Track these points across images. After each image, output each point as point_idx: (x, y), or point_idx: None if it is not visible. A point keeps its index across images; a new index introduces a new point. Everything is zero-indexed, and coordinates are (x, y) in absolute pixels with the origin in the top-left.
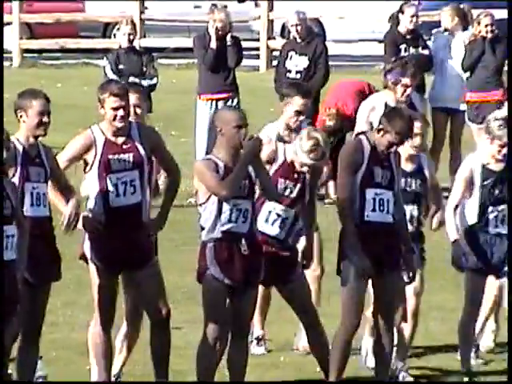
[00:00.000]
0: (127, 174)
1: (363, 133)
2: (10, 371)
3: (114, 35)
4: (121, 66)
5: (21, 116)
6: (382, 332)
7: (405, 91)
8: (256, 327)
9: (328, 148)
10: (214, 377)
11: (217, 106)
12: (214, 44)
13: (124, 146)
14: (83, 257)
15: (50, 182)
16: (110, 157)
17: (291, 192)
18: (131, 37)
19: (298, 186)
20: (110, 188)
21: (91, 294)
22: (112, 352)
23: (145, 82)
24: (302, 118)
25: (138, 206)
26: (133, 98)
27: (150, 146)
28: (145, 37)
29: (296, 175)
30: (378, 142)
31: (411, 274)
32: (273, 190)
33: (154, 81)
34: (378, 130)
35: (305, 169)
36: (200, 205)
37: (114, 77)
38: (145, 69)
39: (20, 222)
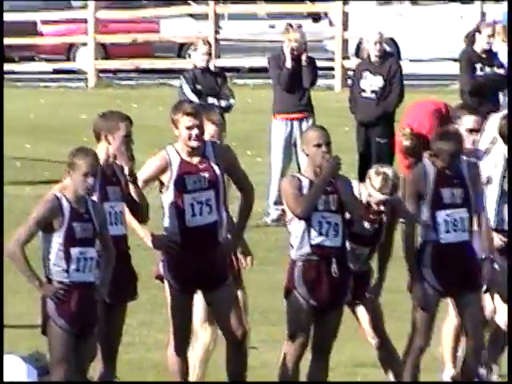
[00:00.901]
0: (203, 193)
1: (431, 155)
2: None
3: (189, 55)
4: (198, 87)
5: (105, 136)
6: (469, 352)
7: None
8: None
9: (398, 180)
10: None
11: (292, 125)
12: (289, 64)
13: (199, 166)
14: (159, 277)
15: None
16: (186, 177)
17: (368, 232)
18: (208, 57)
19: (375, 226)
20: (186, 208)
21: (167, 314)
22: (188, 371)
23: (222, 103)
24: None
25: (214, 226)
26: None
27: (224, 165)
28: (219, 57)
29: (373, 216)
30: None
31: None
32: (357, 206)
33: (232, 101)
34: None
35: (382, 207)
36: (288, 222)
37: (193, 96)
38: (219, 89)
39: (106, 245)
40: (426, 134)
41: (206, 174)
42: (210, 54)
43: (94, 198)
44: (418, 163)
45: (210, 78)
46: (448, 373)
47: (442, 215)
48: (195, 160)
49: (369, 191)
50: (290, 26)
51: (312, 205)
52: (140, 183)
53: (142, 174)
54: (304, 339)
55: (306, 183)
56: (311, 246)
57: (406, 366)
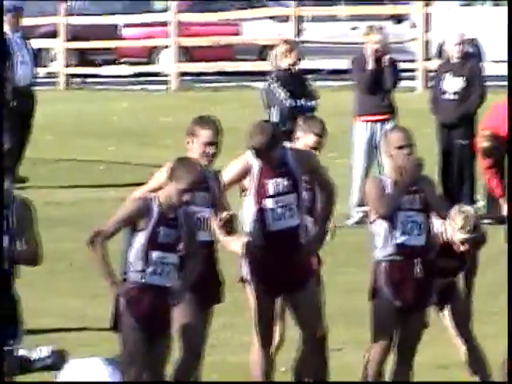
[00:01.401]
0: (284, 197)
1: None
2: None
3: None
4: (289, 88)
5: (188, 142)
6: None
7: None
8: None
9: (479, 219)
10: None
11: (374, 127)
12: (370, 65)
13: (279, 170)
14: (242, 280)
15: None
16: (267, 181)
17: (452, 264)
18: (297, 56)
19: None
20: (268, 212)
21: (249, 317)
22: (271, 372)
23: (309, 104)
24: None
25: (296, 229)
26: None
27: (305, 170)
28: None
29: (455, 253)
30: None
31: None
32: (441, 205)
33: (318, 101)
34: None
35: (464, 247)
36: (372, 223)
37: (287, 97)
38: (304, 90)
39: (192, 253)
40: (503, 136)
41: (286, 178)
42: (299, 57)
43: None
44: None
45: (296, 80)
46: None
47: None
48: (274, 165)
49: (451, 231)
50: (372, 27)
51: (395, 204)
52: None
53: (224, 178)
54: (388, 341)
55: (388, 184)
56: (395, 245)
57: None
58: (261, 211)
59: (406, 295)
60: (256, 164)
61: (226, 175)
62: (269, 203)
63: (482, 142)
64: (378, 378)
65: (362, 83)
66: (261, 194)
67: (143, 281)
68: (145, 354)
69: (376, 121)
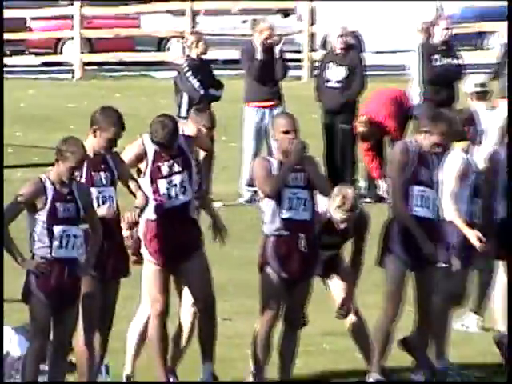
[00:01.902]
0: (176, 177)
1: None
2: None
3: (168, 49)
4: (199, 77)
5: (94, 131)
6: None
7: None
8: None
9: (358, 199)
10: (269, 361)
11: (263, 113)
12: (259, 55)
13: (173, 153)
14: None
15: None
16: (161, 164)
17: (334, 241)
18: (204, 46)
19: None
20: (162, 191)
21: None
22: (167, 337)
23: (217, 93)
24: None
25: (188, 204)
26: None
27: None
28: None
29: (335, 231)
30: (423, 144)
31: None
32: (325, 186)
33: (223, 91)
34: (425, 132)
35: (342, 226)
36: (260, 200)
37: (198, 85)
38: (213, 80)
39: (93, 225)
40: (380, 121)
41: (180, 159)
42: (205, 46)
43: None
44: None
45: (206, 68)
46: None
47: (416, 190)
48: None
49: (332, 210)
50: (256, 20)
51: (279, 184)
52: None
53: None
54: (276, 310)
55: (275, 164)
56: (282, 220)
57: (377, 334)
58: (156, 191)
59: (291, 267)
60: (151, 148)
61: (125, 155)
62: (162, 184)
63: (359, 127)
64: (266, 344)
65: (251, 72)
66: (155, 175)
67: (51, 255)
68: (51, 326)
69: (265, 107)
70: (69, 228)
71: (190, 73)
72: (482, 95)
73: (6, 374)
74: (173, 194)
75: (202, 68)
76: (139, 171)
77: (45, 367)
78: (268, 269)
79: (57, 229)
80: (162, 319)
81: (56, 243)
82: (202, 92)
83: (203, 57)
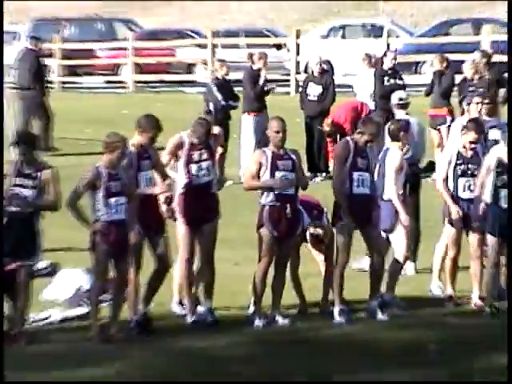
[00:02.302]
0: (204, 163)
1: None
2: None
3: (195, 72)
4: (222, 92)
5: (139, 131)
6: (375, 262)
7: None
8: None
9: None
10: (263, 294)
11: (258, 118)
12: (261, 81)
13: (202, 146)
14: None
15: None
16: (193, 152)
17: None
18: (226, 69)
19: None
20: (192, 172)
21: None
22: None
23: (234, 104)
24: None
25: (210, 182)
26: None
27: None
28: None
29: None
30: (359, 141)
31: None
32: (303, 177)
33: (238, 103)
34: (359, 133)
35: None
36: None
37: (221, 98)
38: (232, 94)
39: (131, 197)
40: (342, 124)
41: (206, 151)
42: (228, 69)
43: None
44: (342, 139)
45: (227, 86)
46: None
47: (355, 175)
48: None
49: None
50: (252, 54)
51: (252, 188)
52: (165, 156)
53: (167, 146)
54: (269, 259)
55: (269, 154)
56: (274, 194)
57: (334, 275)
58: (188, 172)
59: (280, 228)
60: (187, 141)
61: (168, 146)
62: (193, 167)
63: (325, 127)
64: (262, 281)
65: (255, 92)
66: (189, 160)
67: (109, 218)
68: (108, 269)
69: (257, 115)
70: (119, 198)
71: (215, 88)
72: (403, 106)
73: (76, 302)
74: (200, 174)
75: (225, 85)
76: (176, 157)
77: (106, 297)
78: (263, 229)
79: (112, 200)
80: (188, 263)
81: (112, 210)
82: (223, 103)
83: (226, 77)
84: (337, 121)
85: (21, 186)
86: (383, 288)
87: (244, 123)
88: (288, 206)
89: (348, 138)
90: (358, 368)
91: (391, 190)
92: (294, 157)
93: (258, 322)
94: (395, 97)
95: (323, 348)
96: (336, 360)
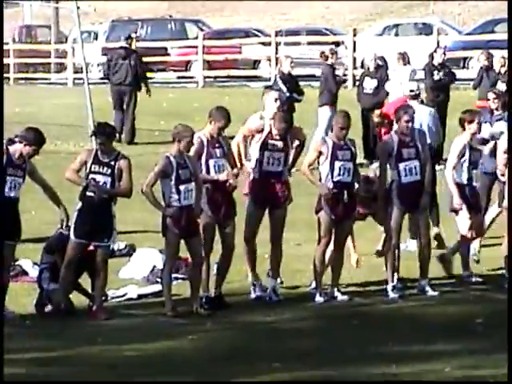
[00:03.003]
0: (276, 153)
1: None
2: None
3: (260, 67)
4: (287, 85)
5: (210, 122)
6: (422, 244)
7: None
8: None
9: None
10: (323, 273)
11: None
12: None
13: (278, 137)
14: (247, 195)
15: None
16: (269, 141)
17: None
18: (292, 64)
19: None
20: (265, 160)
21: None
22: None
23: (299, 97)
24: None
25: (281, 172)
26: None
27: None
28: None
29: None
30: (401, 128)
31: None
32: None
33: (303, 97)
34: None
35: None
36: (319, 165)
37: (286, 90)
38: (297, 87)
39: (198, 184)
40: (390, 115)
41: (282, 143)
42: (292, 65)
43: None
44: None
45: (292, 80)
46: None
47: (338, 165)
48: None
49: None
50: (325, 51)
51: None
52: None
53: (246, 125)
54: (328, 240)
55: (330, 144)
56: (333, 182)
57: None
58: (261, 157)
59: (338, 211)
60: (267, 128)
61: (248, 129)
62: (266, 154)
63: (374, 118)
64: (322, 261)
65: (336, 87)
66: (263, 147)
67: (179, 204)
68: (179, 250)
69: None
70: (188, 185)
71: (281, 81)
72: (414, 96)
73: (152, 280)
74: (270, 163)
75: (289, 80)
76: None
77: (178, 275)
78: (322, 213)
79: (182, 187)
80: (250, 243)
81: (182, 196)
82: (287, 94)
83: (291, 72)
84: (385, 112)
85: (98, 173)
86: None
87: (323, 115)
88: (345, 191)
89: (391, 133)
90: (408, 340)
91: (448, 175)
92: (352, 148)
93: (318, 298)
94: (407, 88)
95: (376, 322)
96: (388, 333)
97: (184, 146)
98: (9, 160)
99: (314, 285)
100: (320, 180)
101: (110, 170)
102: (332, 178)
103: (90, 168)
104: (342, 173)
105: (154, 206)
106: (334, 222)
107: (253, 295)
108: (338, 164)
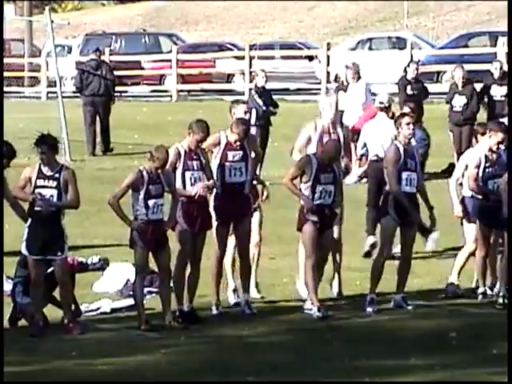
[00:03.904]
0: (237, 164)
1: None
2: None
3: (234, 81)
4: (262, 98)
5: (189, 133)
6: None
7: None
8: None
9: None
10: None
11: None
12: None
13: (238, 146)
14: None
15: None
16: (228, 152)
17: None
18: (266, 78)
19: None
20: (226, 171)
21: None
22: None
23: (274, 110)
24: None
25: (243, 183)
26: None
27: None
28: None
29: None
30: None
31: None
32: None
33: (278, 109)
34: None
35: None
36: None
37: (262, 103)
38: (271, 101)
39: (174, 196)
40: (358, 130)
41: (241, 152)
42: (266, 79)
43: (179, 169)
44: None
45: (267, 93)
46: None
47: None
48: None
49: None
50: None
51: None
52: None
53: (204, 145)
54: (315, 254)
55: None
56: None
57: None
58: (222, 170)
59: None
60: (224, 140)
61: (205, 144)
62: (227, 166)
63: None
64: (314, 274)
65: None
66: (223, 159)
67: (147, 218)
68: (148, 264)
69: None
70: (158, 200)
71: (256, 95)
72: (382, 109)
73: (125, 294)
74: (233, 174)
75: (265, 93)
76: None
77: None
78: (306, 226)
79: (150, 202)
80: (219, 259)
81: (150, 211)
82: (264, 108)
83: (266, 86)
84: (356, 127)
85: (43, 186)
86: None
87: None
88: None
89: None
90: (382, 354)
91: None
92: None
93: (317, 313)
94: (377, 100)
95: (351, 336)
96: (362, 347)
97: (157, 165)
98: None
99: (308, 302)
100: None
101: (55, 183)
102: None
103: (35, 183)
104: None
105: (120, 219)
106: (319, 231)
107: (214, 311)
108: (319, 187)
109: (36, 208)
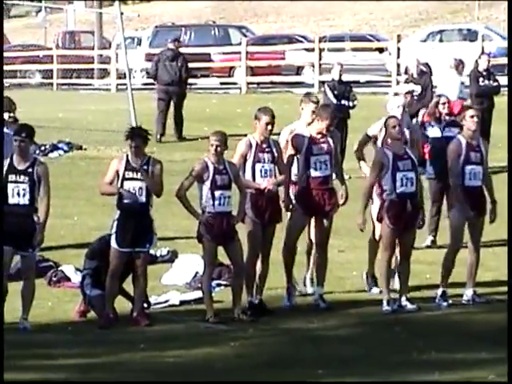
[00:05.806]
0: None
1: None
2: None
3: (303, 73)
4: (335, 92)
5: (256, 123)
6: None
7: None
8: None
9: None
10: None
11: None
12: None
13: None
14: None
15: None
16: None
17: None
18: (342, 73)
19: None
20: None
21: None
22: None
23: (349, 104)
24: None
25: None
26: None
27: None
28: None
29: None
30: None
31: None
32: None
33: (356, 102)
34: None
35: None
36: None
37: (333, 98)
38: (348, 94)
39: (240, 188)
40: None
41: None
42: (341, 71)
43: (249, 160)
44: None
45: (342, 87)
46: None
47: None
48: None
49: None
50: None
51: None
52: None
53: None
54: (391, 251)
55: (390, 155)
56: (396, 193)
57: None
58: (307, 163)
59: (401, 221)
60: (307, 134)
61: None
62: (312, 159)
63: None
64: (388, 268)
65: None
66: (308, 153)
67: (214, 210)
68: (216, 256)
69: None
70: (224, 192)
71: (328, 89)
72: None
73: (194, 286)
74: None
75: (340, 86)
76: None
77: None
78: (384, 222)
79: (217, 193)
80: (294, 248)
81: (217, 202)
82: (334, 102)
83: (341, 78)
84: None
85: (132, 179)
86: None
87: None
88: (408, 201)
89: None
90: (451, 347)
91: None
92: (412, 156)
93: (386, 308)
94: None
95: (419, 329)
96: (431, 340)
97: (219, 152)
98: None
99: (376, 290)
100: (383, 191)
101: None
102: (396, 188)
103: (124, 175)
104: (405, 183)
105: (187, 211)
106: (397, 232)
107: (286, 303)
108: (399, 176)
109: (125, 201)
